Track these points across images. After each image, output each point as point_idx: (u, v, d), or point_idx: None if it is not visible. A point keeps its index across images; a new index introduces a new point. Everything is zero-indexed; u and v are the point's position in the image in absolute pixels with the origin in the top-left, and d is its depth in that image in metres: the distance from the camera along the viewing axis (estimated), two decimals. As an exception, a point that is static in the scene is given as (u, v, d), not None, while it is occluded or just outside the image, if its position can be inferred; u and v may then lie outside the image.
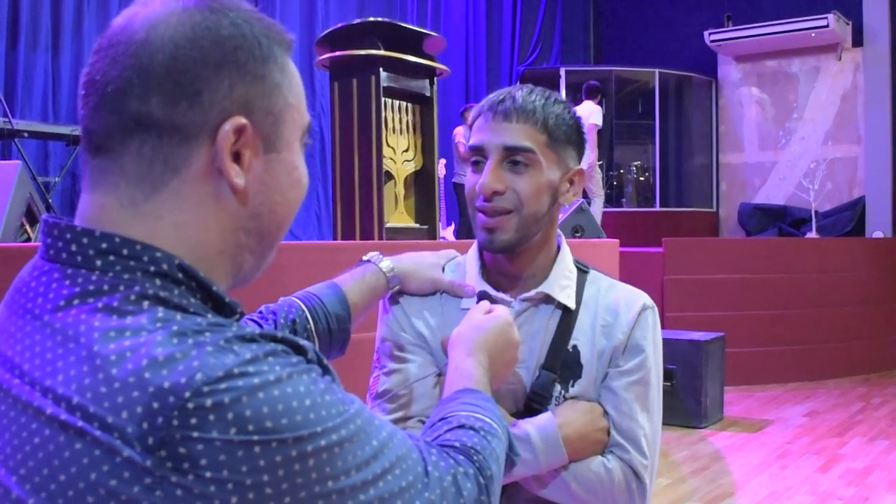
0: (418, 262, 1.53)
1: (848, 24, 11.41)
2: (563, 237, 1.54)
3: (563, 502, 1.41)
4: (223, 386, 0.70)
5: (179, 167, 0.79)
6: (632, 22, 13.42)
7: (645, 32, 13.14)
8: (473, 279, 1.50)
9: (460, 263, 1.56)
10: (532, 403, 1.43)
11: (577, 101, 9.07)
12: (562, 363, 1.44)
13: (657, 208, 12.56)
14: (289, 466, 0.71)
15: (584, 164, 1.49)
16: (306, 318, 1.38)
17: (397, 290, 1.52)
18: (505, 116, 1.39)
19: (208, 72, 0.78)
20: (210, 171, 0.80)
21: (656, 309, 1.50)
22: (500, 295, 1.47)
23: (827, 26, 11.09)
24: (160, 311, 0.74)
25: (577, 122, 1.45)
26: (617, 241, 5.47)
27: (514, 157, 1.39)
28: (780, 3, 11.84)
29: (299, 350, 0.78)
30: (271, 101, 0.83)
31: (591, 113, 9.29)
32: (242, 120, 0.80)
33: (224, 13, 0.81)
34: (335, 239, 4.74)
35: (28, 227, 3.47)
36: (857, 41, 11.51)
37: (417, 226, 4.90)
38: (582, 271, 1.52)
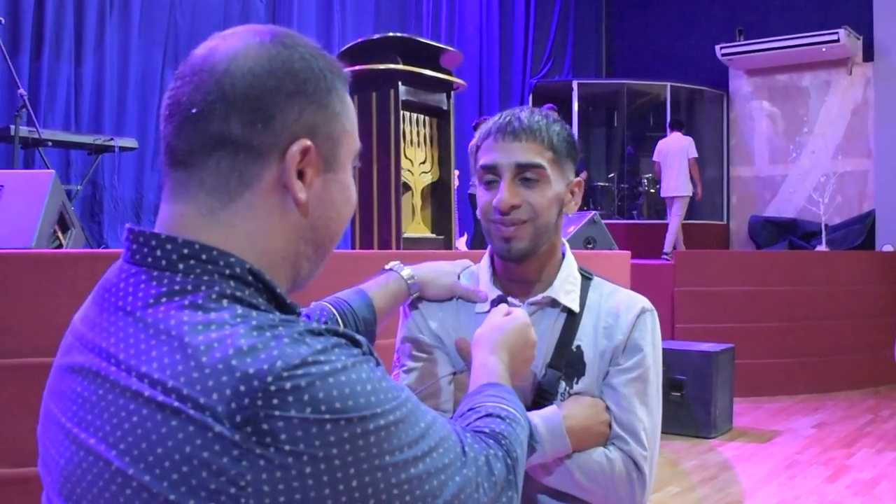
0: (436, 270, 1.67)
1: (859, 38, 11.48)
2: (567, 246, 1.67)
3: (567, 490, 1.52)
4: (300, 372, 0.81)
5: (251, 181, 0.91)
6: (644, 35, 13.50)
7: (657, 46, 13.22)
8: (486, 285, 1.63)
9: (474, 272, 1.69)
10: (539, 399, 1.55)
11: (590, 114, 9.17)
12: (566, 362, 1.56)
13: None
14: (354, 442, 0.82)
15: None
16: (336, 320, 1.51)
17: (417, 297, 1.65)
18: (514, 136, 1.52)
19: (281, 99, 0.91)
20: (278, 186, 0.92)
21: (655, 312, 1.62)
22: (514, 300, 1.59)
23: (838, 41, 11.16)
24: (239, 308, 0.86)
25: (572, 138, 1.60)
26: (628, 252, 5.55)
27: (525, 174, 1.52)
28: (792, 18, 11.91)
29: (356, 343, 0.89)
30: (332, 127, 0.95)
31: None
32: (308, 142, 0.92)
33: (295, 48, 0.94)
34: (353, 248, 4.83)
35: (60, 235, 3.57)
36: (868, 56, 11.57)
37: (433, 236, 4.99)
38: (586, 277, 1.64)
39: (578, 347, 1.57)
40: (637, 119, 13.37)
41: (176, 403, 0.80)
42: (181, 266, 0.88)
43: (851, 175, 11.67)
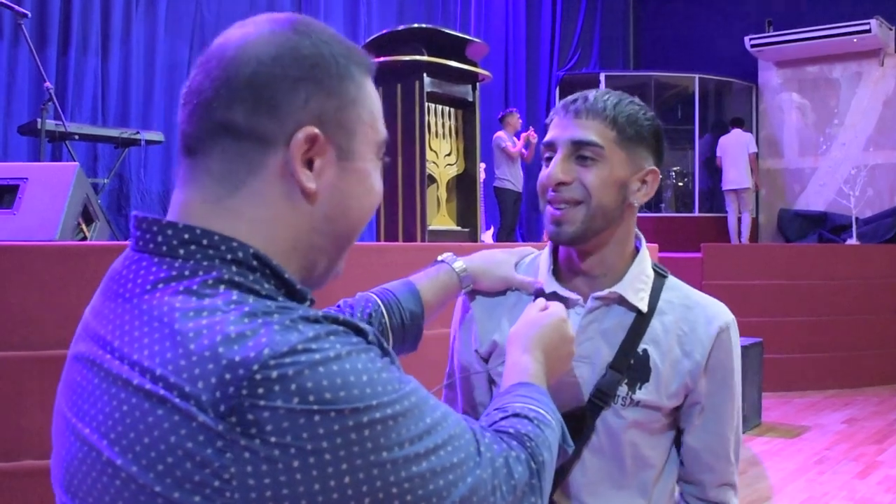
0: (489, 260, 1.60)
1: (891, 29, 11.31)
2: (643, 240, 1.56)
3: None
4: (288, 360, 0.77)
5: (257, 169, 0.89)
6: (671, 27, 13.39)
7: (685, 37, 13.11)
8: (544, 276, 1.54)
9: (535, 261, 1.61)
10: (595, 400, 1.47)
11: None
12: (630, 365, 1.47)
13: (696, 214, 12.53)
14: (346, 435, 0.78)
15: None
16: (382, 312, 1.47)
17: (470, 290, 1.59)
18: (576, 114, 1.45)
19: (287, 85, 0.88)
20: (285, 174, 0.89)
21: (735, 323, 1.54)
22: (570, 293, 1.51)
23: (869, 31, 11.01)
24: (234, 294, 0.83)
25: (653, 124, 1.49)
26: (656, 245, 5.49)
27: (581, 152, 1.43)
28: (822, 9, 11.77)
29: (359, 332, 0.86)
30: (345, 115, 0.92)
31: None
32: (314, 130, 0.89)
33: (307, 34, 0.91)
34: (378, 240, 4.82)
35: (84, 227, 3.58)
36: (901, 47, 11.42)
37: (459, 228, 4.96)
38: (660, 275, 1.54)
39: (645, 351, 1.47)
40: (665, 111, 13.23)
41: (162, 392, 0.78)
42: (181, 251, 0.86)
43: (882, 168, 11.52)
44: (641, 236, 1.57)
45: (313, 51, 0.90)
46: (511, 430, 1.05)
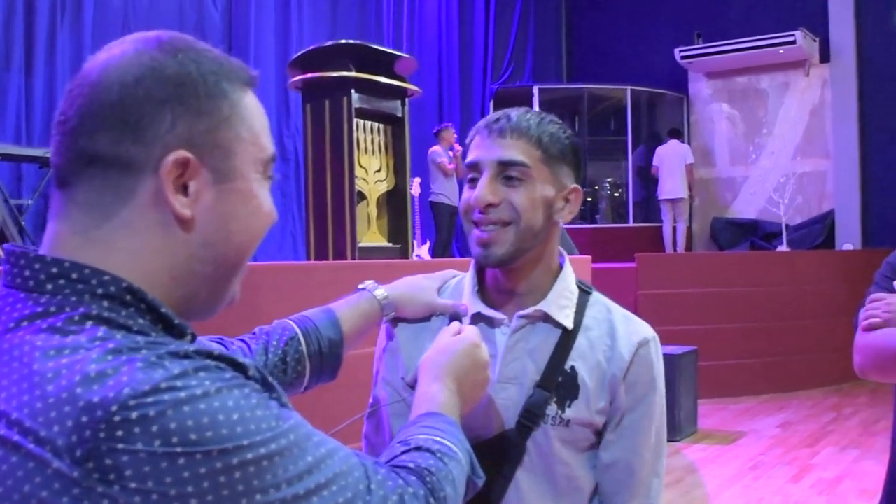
0: (412, 287, 1.55)
1: (815, 40, 11.58)
2: (566, 257, 1.55)
3: None
4: (150, 400, 0.73)
5: (127, 198, 0.84)
6: (603, 40, 13.53)
7: (616, 50, 13.26)
8: (469, 298, 1.51)
9: (459, 283, 1.58)
10: (524, 421, 1.44)
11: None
12: (558, 383, 1.44)
13: (631, 224, 12.66)
14: (214, 478, 0.74)
15: None
16: (299, 340, 1.41)
17: (393, 317, 1.55)
18: (500, 133, 1.42)
19: (151, 109, 0.83)
20: (157, 201, 0.84)
21: (658, 342, 1.52)
22: (494, 313, 1.48)
23: (794, 43, 11.25)
24: (100, 331, 0.78)
25: (572, 142, 1.48)
26: (589, 257, 5.54)
27: (508, 172, 1.40)
28: (749, 21, 12.00)
29: (237, 367, 0.81)
30: (218, 134, 0.87)
31: None
32: (185, 153, 0.84)
33: (173, 53, 0.87)
34: (308, 258, 4.77)
35: None
36: (825, 57, 11.68)
37: (390, 245, 4.93)
38: (584, 292, 1.52)
39: (573, 368, 1.44)
40: (599, 123, 13.40)
41: (17, 438, 0.73)
42: (49, 286, 0.81)
43: (810, 175, 11.77)
44: (564, 253, 1.56)
45: (178, 70, 0.86)
46: (411, 465, 1.01)
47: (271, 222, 0.95)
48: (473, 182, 1.44)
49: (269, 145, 0.94)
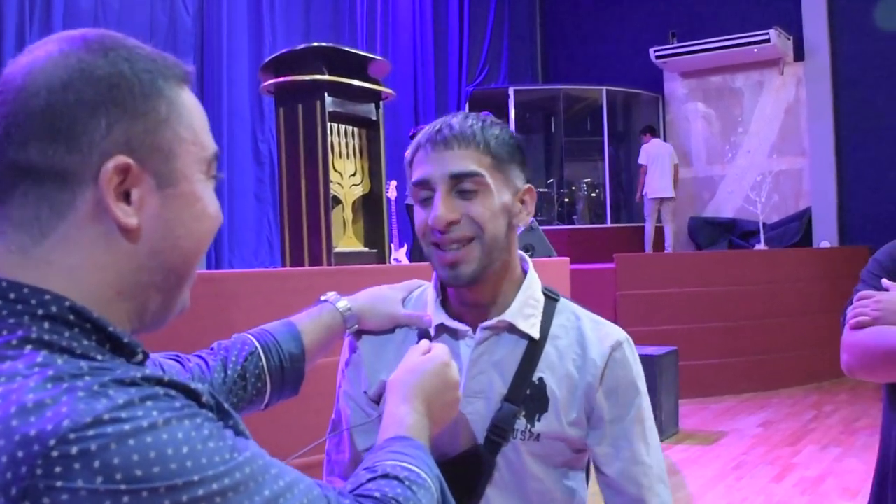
0: (376, 298, 1.50)
1: (789, 39, 11.62)
2: (530, 263, 1.48)
3: None
4: (91, 433, 0.67)
5: (65, 212, 0.78)
6: (579, 41, 13.53)
7: (592, 51, 13.27)
8: (432, 308, 1.45)
9: (423, 294, 1.52)
10: (492, 436, 1.38)
11: (527, 120, 9.21)
12: (526, 396, 1.38)
13: (609, 224, 12.65)
14: None
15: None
16: (259, 354, 1.35)
17: (356, 330, 1.49)
18: (446, 145, 1.33)
19: (84, 114, 0.77)
20: (98, 212, 0.78)
21: (631, 342, 1.45)
22: (458, 325, 1.42)
23: (769, 41, 11.29)
24: (40, 356, 0.72)
25: (517, 140, 1.41)
26: (567, 259, 5.49)
27: (462, 185, 1.33)
28: (723, 20, 12.03)
29: (189, 394, 0.75)
30: (157, 136, 0.81)
31: None
32: (125, 159, 0.78)
33: (102, 53, 0.80)
34: (283, 264, 4.70)
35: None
36: (799, 56, 11.72)
37: (366, 250, 4.87)
38: (551, 299, 1.46)
39: (541, 380, 1.38)
40: (575, 124, 13.40)
41: None
42: None
43: (787, 173, 11.80)
44: (528, 259, 1.49)
45: (110, 70, 0.79)
46: (377, 494, 0.95)
47: (218, 225, 0.89)
48: (427, 202, 1.36)
49: (210, 143, 0.88)
